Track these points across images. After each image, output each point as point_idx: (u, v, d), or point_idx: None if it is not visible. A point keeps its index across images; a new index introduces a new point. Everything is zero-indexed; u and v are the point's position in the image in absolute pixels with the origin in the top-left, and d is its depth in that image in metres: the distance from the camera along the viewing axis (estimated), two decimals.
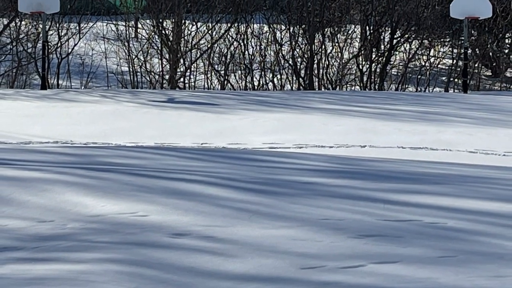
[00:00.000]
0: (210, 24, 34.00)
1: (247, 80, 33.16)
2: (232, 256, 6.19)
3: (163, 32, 33.61)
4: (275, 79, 33.25)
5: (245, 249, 6.35)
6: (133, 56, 33.64)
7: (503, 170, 11.11)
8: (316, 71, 33.00)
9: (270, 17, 34.52)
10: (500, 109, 20.05)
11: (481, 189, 8.82)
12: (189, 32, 33.93)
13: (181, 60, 33.53)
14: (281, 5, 35.59)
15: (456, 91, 32.10)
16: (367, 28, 34.57)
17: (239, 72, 33.46)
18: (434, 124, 17.36)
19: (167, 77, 33.14)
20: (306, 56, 33.10)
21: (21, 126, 17.07)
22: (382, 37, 34.90)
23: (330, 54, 33.38)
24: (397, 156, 13.36)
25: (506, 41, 37.98)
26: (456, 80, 34.05)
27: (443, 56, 36.09)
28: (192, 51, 33.70)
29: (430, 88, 33.58)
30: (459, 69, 33.33)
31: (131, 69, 33.65)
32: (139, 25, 35.89)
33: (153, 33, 34.03)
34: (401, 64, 34.46)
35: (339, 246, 6.41)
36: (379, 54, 34.13)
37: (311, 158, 11.81)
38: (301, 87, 32.51)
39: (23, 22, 34.31)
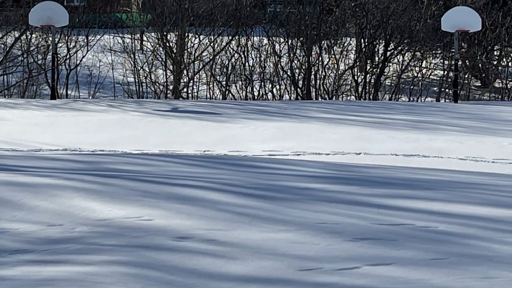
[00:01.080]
0: (212, 37, 34.06)
1: (248, 90, 33.18)
2: (233, 259, 6.19)
3: (167, 44, 33.64)
4: (274, 89, 33.27)
5: (245, 252, 6.35)
6: (139, 68, 33.68)
7: (492, 177, 11.10)
8: (313, 82, 33.03)
9: (270, 30, 34.58)
10: (489, 118, 20.05)
11: (471, 194, 8.82)
12: (192, 45, 33.97)
13: (185, 71, 33.57)
14: (280, 19, 35.64)
15: (447, 101, 32.11)
16: (362, 40, 34.60)
17: (240, 82, 33.50)
18: (426, 132, 17.36)
19: (171, 87, 33.16)
20: (303, 67, 33.14)
21: (31, 134, 17.07)
22: (376, 49, 34.95)
23: (327, 66, 33.42)
24: (391, 163, 13.36)
25: (495, 53, 38.00)
26: (447, 90, 34.06)
27: (434, 67, 36.11)
28: (195, 62, 33.75)
29: (422, 98, 33.59)
30: (450, 80, 33.35)
31: (136, 80, 33.68)
32: (144, 38, 35.93)
33: (157, 46, 34.06)
34: (394, 75, 34.48)
35: (335, 249, 6.41)
36: (374, 65, 34.16)
37: (308, 165, 11.80)
38: (299, 97, 32.53)
39: (33, 35, 34.38)
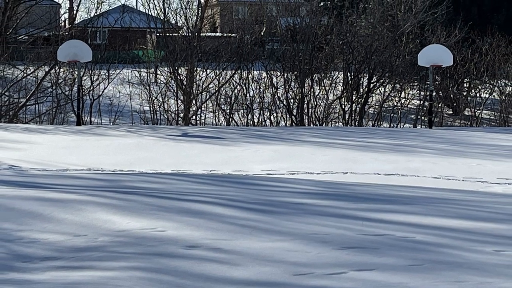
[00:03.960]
0: (217, 71, 34.12)
1: (248, 118, 33.20)
2: (235, 265, 6.19)
3: (178, 77, 33.68)
4: (271, 117, 33.29)
5: (246, 259, 6.35)
6: (153, 98, 33.71)
7: (462, 193, 11.10)
8: (306, 110, 33.05)
9: (268, 65, 34.65)
10: (459, 142, 20.05)
11: (444, 208, 8.82)
12: (200, 78, 34.02)
13: (193, 101, 33.59)
14: (277, 55, 35.71)
15: (423, 127, 32.11)
16: (349, 74, 34.65)
17: (242, 111, 33.52)
18: (404, 154, 17.34)
19: (181, 115, 33.17)
20: (297, 97, 33.17)
21: (59, 156, 17.06)
22: (361, 82, 34.99)
23: (318, 96, 33.45)
24: (374, 181, 13.34)
25: (465, 85, 38.03)
26: (423, 117, 34.08)
27: (412, 97, 36.13)
28: (203, 93, 33.78)
29: (401, 125, 33.59)
30: (425, 108, 33.37)
31: (151, 109, 33.70)
32: (158, 72, 35.97)
33: (170, 79, 34.11)
34: (377, 104, 34.49)
35: (325, 256, 6.41)
36: (359, 96, 34.20)
37: (302, 183, 11.80)
38: (293, 124, 32.54)
39: (61, 70, 34.41)
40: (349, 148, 18.75)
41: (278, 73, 34.09)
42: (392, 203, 9.03)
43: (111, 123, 32.80)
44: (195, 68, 34.09)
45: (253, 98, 33.51)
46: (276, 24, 38.75)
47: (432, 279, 5.76)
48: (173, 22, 37.23)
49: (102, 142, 20.03)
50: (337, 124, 32.94)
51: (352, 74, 34.50)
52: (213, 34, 48.09)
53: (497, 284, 5.66)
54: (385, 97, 34.22)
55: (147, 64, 36.72)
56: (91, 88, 34.01)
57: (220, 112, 33.44)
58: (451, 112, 38.55)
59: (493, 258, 6.38)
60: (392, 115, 34.36)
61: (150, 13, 37.70)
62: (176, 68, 33.73)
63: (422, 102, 34.83)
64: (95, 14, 36.86)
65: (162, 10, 36.87)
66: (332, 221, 7.79)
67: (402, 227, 7.52)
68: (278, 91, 33.50)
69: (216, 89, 33.64)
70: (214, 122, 33.04)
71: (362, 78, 34.86)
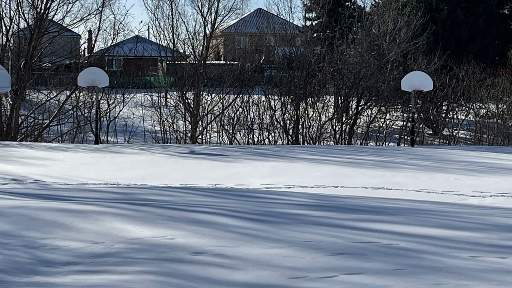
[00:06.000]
0: (221, 95, 34.16)
1: (249, 137, 33.20)
2: (238, 269, 6.19)
3: (186, 101, 33.74)
4: (270, 136, 33.29)
5: (247, 264, 6.35)
6: (164, 119, 33.73)
7: (441, 205, 11.09)
8: (300, 130, 33.06)
9: (266, 90, 34.69)
10: (439, 159, 20.04)
11: (424, 218, 8.82)
12: (205, 101, 34.07)
13: (200, 122, 33.62)
14: (275, 81, 35.76)
15: (405, 145, 32.11)
16: (339, 98, 34.69)
17: (243, 131, 33.53)
18: (389, 170, 17.34)
19: (189, 134, 33.20)
20: (293, 119, 33.19)
21: (79, 172, 17.06)
22: (350, 105, 35.02)
23: (311, 118, 33.46)
24: (362, 194, 13.34)
25: (443, 108, 38.09)
26: (405, 137, 34.09)
27: (396, 119, 36.17)
28: (208, 115, 33.82)
29: (386, 143, 33.59)
30: (408, 128, 33.37)
31: (162, 129, 33.72)
32: (168, 96, 36.05)
33: (178, 102, 34.15)
34: (364, 125, 34.51)
35: (318, 261, 6.41)
36: (348, 117, 34.22)
37: (297, 196, 11.80)
38: (289, 142, 32.54)
39: (81, 94, 34.48)
40: (340, 165, 18.75)
41: (276, 97, 34.13)
42: (378, 214, 9.03)
43: (126, 142, 32.81)
44: (201, 93, 34.16)
45: (253, 120, 33.53)
46: (274, 53, 38.85)
47: (414, 282, 5.76)
48: (182, 51, 37.37)
49: (118, 159, 20.03)
50: (328, 143, 32.94)
51: (342, 98, 34.54)
52: (217, 62, 48.20)
53: (472, 287, 5.66)
54: (372, 119, 34.24)
55: (158, 89, 36.80)
56: (108, 110, 34.06)
57: (223, 132, 33.45)
58: (431, 132, 38.58)
59: (469, 263, 6.38)
60: (378, 134, 34.38)
61: (161, 43, 37.87)
62: (184, 92, 33.79)
63: (405, 123, 34.85)
64: (112, 44, 36.97)
65: (172, 40, 37.04)
66: (324, 230, 7.79)
67: (387, 235, 7.52)
68: (275, 113, 33.52)
69: (220, 111, 33.67)
70: (218, 141, 33.04)
71: (351, 102, 34.89)
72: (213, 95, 34.13)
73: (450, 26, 45.25)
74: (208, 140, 33.24)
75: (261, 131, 33.36)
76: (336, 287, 5.68)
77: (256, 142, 32.85)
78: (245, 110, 33.63)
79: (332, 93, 35.52)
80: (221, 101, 33.89)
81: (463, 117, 36.50)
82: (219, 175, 16.46)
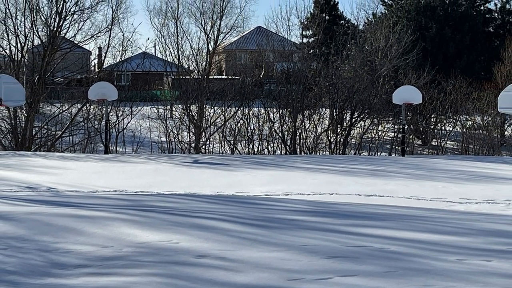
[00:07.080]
0: (223, 108, 34.20)
1: (249, 147, 33.22)
2: (238, 271, 6.19)
3: (190, 113, 33.77)
4: (269, 147, 33.32)
5: (248, 266, 6.35)
6: (169, 130, 33.78)
7: (430, 211, 11.09)
8: (298, 141, 33.08)
9: (266, 103, 34.72)
10: (427, 168, 20.03)
11: (414, 224, 8.81)
12: (208, 114, 34.11)
13: (203, 133, 33.65)
14: (273, 95, 35.80)
15: (396, 155, 32.12)
16: (334, 110, 34.72)
17: (244, 141, 33.55)
18: (381, 178, 17.33)
19: (193, 145, 33.22)
20: (291, 130, 33.21)
21: (90, 180, 17.05)
22: (344, 117, 35.05)
23: (308, 129, 33.48)
24: (355, 201, 13.33)
25: (432, 120, 38.13)
26: (396, 147, 34.11)
27: (387, 130, 36.20)
28: (211, 127, 33.85)
29: (378, 153, 33.61)
30: (398, 139, 33.42)
31: (167, 140, 33.76)
32: (174, 109, 36.09)
33: (183, 114, 34.19)
34: (358, 136, 34.53)
35: (314, 264, 6.41)
36: (343, 129, 34.24)
37: (294, 202, 11.80)
38: (287, 152, 32.54)
39: (91, 107, 34.52)
40: (334, 173, 18.75)
41: (275, 110, 34.17)
42: (371, 220, 9.04)
43: (134, 152, 32.83)
44: (204, 105, 34.20)
45: (253, 131, 33.57)
46: (273, 68, 38.89)
47: (404, 284, 5.76)
48: (186, 66, 37.43)
49: (126, 168, 20.03)
50: (324, 153, 32.94)
51: (337, 110, 34.57)
52: (219, 76, 48.25)
53: None
54: (364, 130, 34.27)
55: (164, 102, 36.89)
56: (117, 122, 34.10)
57: (225, 143, 33.48)
58: (421, 143, 38.60)
59: (456, 266, 6.38)
60: (370, 145, 34.40)
61: (166, 59, 37.94)
62: (189, 105, 33.84)
63: (396, 134, 34.90)
64: (120, 60, 37.04)
65: (177, 56, 37.14)
66: (320, 235, 7.79)
67: (379, 239, 7.52)
68: (274, 125, 33.56)
69: (222, 123, 33.71)
70: (221, 151, 33.05)
71: (345, 114, 34.93)
72: (215, 108, 34.17)
73: (438, 43, 45.37)
74: (211, 150, 33.25)
75: (260, 142, 33.38)
76: None
77: (256, 152, 32.87)
78: (246, 122, 33.66)
79: (327, 106, 35.56)
80: (223, 113, 33.94)
81: (451, 129, 36.55)
82: (221, 183, 16.46)
